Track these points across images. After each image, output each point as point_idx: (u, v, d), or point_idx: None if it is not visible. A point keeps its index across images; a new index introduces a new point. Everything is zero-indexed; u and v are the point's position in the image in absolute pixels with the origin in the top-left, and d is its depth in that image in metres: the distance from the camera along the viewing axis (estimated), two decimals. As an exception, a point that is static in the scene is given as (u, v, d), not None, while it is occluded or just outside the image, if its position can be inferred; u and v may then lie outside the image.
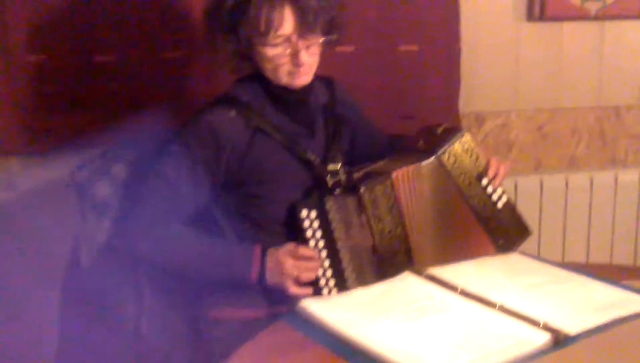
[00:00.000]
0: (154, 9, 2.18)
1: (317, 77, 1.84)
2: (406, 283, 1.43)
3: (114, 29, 2.17)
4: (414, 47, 2.37)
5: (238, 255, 1.71)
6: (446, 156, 1.80)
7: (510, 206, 1.88)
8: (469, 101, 2.50)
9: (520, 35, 2.52)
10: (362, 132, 1.98)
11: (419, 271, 1.47)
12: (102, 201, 1.77)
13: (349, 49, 2.33)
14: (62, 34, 2.15)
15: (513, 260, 1.58)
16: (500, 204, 1.86)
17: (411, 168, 1.76)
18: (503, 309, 1.30)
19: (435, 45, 2.38)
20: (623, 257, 2.62)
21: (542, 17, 2.49)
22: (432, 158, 1.79)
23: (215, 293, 1.78)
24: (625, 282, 1.44)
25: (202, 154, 1.71)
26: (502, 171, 1.86)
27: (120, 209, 1.77)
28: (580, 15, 2.52)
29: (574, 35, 2.55)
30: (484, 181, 1.84)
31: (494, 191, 1.85)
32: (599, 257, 2.59)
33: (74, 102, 2.18)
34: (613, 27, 2.56)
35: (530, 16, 2.50)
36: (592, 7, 2.52)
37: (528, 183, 2.54)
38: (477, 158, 1.84)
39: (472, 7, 2.45)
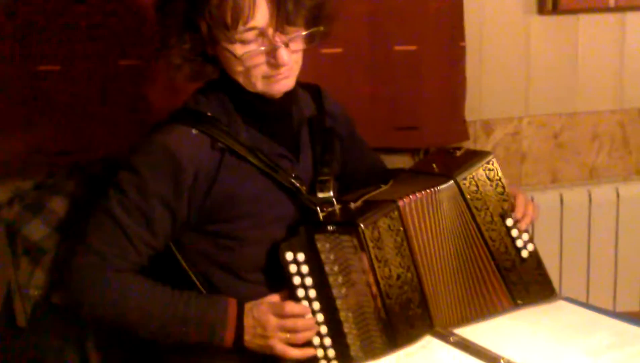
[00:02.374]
0: (107, 12, 1.80)
1: (300, 85, 1.47)
2: (431, 352, 1.05)
3: (59, 35, 1.79)
4: (411, 47, 2.01)
5: (208, 311, 1.33)
6: (467, 181, 1.42)
7: (535, 258, 1.50)
8: (475, 108, 2.16)
9: (531, 30, 2.18)
10: (354, 153, 1.61)
11: (443, 335, 1.09)
12: (35, 246, 1.38)
13: (336, 50, 1.95)
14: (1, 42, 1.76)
15: (560, 311, 1.20)
16: (525, 254, 1.48)
17: (423, 194, 1.38)
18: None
19: (437, 44, 2.02)
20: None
21: (556, 9, 2.15)
22: (450, 182, 1.41)
23: (181, 357, 1.39)
24: None
25: (157, 186, 1.33)
26: (530, 212, 1.49)
27: (58, 256, 1.38)
28: (598, 7, 2.19)
29: (591, 30, 2.22)
30: (509, 221, 1.46)
31: (520, 235, 1.47)
32: (629, 281, 2.23)
33: (8, 118, 1.79)
34: (635, 19, 2.23)
35: (541, 9, 2.17)
36: (612, -3, 2.19)
37: (545, 198, 2.19)
38: (503, 191, 1.46)
39: (477, 0, 2.11)
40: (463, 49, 2.06)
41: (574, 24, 2.20)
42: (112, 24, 1.80)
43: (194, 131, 1.35)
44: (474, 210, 1.43)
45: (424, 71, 2.02)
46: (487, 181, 1.45)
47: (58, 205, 1.42)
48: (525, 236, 1.48)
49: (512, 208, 1.47)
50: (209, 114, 1.38)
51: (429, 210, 1.39)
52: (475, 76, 2.14)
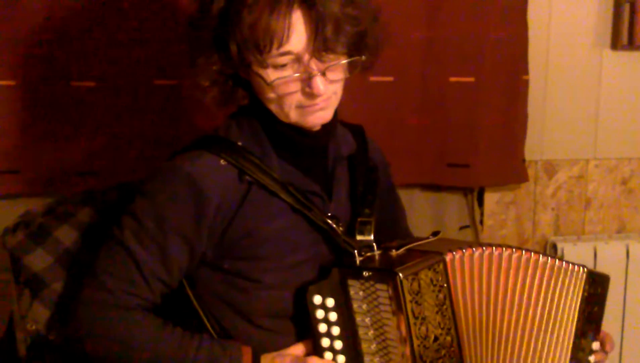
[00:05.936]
0: (144, 30, 1.69)
1: (342, 123, 1.33)
2: None
3: (95, 51, 1.68)
4: (469, 79, 1.83)
5: (219, 358, 1.18)
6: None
7: None
8: (536, 147, 1.98)
9: (603, 66, 1.99)
10: (386, 212, 1.42)
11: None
12: (35, 277, 1.25)
13: (387, 78, 1.79)
14: (35, 57, 1.67)
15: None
16: None
17: (482, 250, 1.23)
18: None
19: (496, 76, 1.83)
20: None
21: (631, 44, 1.95)
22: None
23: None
24: None
25: (177, 218, 1.19)
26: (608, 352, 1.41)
27: (61, 292, 1.25)
28: (679, 43, 1.97)
29: (670, 68, 2.01)
30: (595, 345, 1.37)
31: None
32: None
33: (39, 134, 1.69)
34: None
35: (615, 43, 1.97)
36: (695, 33, 1.96)
37: (610, 249, 1.98)
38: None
39: (544, 32, 1.93)
40: (526, 82, 1.87)
41: (651, 62, 2.01)
42: (148, 42, 1.69)
43: (222, 162, 1.21)
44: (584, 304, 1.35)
45: (481, 104, 1.84)
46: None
47: (65, 234, 1.29)
48: None
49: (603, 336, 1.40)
50: (239, 143, 1.23)
51: (485, 270, 1.23)
52: (538, 112, 1.96)
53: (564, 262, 1.30)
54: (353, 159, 1.35)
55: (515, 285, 1.25)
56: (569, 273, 1.30)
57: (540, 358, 1.28)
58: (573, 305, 1.31)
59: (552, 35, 1.94)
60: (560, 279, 1.29)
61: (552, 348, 1.30)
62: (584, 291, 1.32)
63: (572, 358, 1.32)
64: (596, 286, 1.35)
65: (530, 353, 1.27)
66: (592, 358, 1.36)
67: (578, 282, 1.31)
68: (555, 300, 1.29)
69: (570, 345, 1.32)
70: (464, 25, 1.79)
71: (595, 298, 1.35)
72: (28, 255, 1.26)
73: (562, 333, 1.30)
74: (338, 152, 1.32)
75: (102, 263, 1.20)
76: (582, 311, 1.32)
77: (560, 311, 1.30)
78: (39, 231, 1.27)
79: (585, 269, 1.33)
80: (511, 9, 1.82)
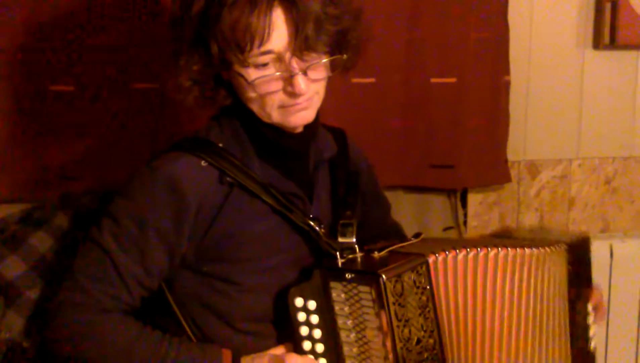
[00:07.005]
0: (123, 33, 1.67)
1: (324, 126, 1.33)
2: None
3: (73, 55, 1.66)
4: (450, 80, 1.81)
5: (197, 361, 1.17)
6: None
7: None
8: (519, 147, 1.97)
9: (585, 66, 1.98)
10: (372, 214, 1.43)
11: None
12: (9, 284, 1.23)
13: (368, 80, 1.77)
14: (13, 61, 1.65)
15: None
16: (592, 345, 1.37)
17: (467, 252, 1.22)
18: None
19: (478, 77, 1.82)
20: None
21: (613, 44, 1.94)
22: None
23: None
24: None
25: (156, 218, 1.18)
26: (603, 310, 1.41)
27: (37, 298, 1.23)
28: (661, 42, 1.97)
29: (652, 67, 2.00)
30: (590, 306, 1.35)
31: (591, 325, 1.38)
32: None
33: (21, 141, 1.67)
34: (701, 57, 2.00)
35: (597, 43, 1.95)
36: (676, 32, 1.95)
37: (594, 249, 1.84)
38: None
39: (525, 32, 1.92)
40: (507, 83, 1.86)
41: (634, 60, 2.00)
42: (128, 45, 1.67)
43: (203, 163, 1.20)
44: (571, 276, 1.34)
45: (463, 105, 1.83)
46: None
47: (40, 241, 1.27)
48: (595, 329, 1.38)
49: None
50: (220, 145, 1.22)
51: (471, 272, 1.22)
52: (521, 113, 1.95)
53: (546, 248, 1.29)
54: (334, 163, 1.34)
55: (503, 285, 1.23)
56: (552, 256, 1.29)
57: (540, 348, 1.28)
58: (562, 285, 1.31)
59: (534, 35, 1.93)
60: (547, 266, 1.28)
61: (551, 335, 1.29)
62: (568, 264, 1.32)
63: (571, 335, 1.32)
64: (575, 251, 1.35)
65: (529, 347, 1.26)
66: (590, 319, 1.36)
67: (561, 260, 1.31)
68: (545, 288, 1.27)
69: (567, 322, 1.32)
70: (445, 26, 1.78)
71: (577, 261, 1.34)
72: (1, 262, 1.24)
73: (557, 317, 1.30)
74: (319, 155, 1.31)
75: (80, 265, 1.18)
76: (570, 283, 1.32)
77: (552, 297, 1.29)
78: (12, 238, 1.26)
79: (564, 244, 1.33)
80: (492, 9, 1.81)
